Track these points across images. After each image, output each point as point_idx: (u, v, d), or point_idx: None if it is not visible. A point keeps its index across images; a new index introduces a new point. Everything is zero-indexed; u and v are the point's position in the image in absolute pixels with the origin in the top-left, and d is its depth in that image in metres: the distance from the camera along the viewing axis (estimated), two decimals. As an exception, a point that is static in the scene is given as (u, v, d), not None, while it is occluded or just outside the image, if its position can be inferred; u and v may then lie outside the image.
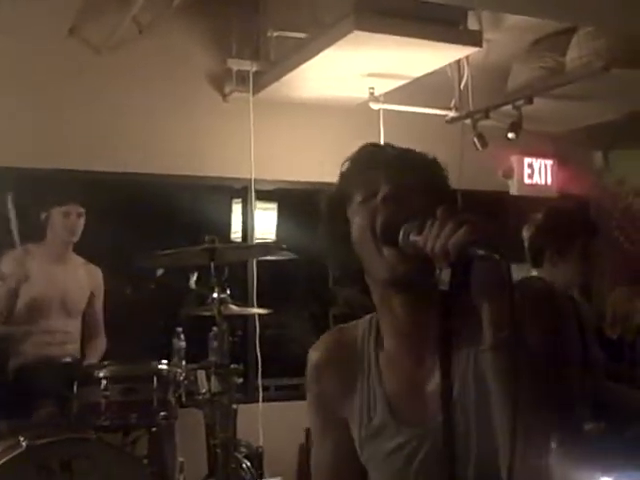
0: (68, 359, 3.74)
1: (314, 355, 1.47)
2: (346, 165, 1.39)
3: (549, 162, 5.53)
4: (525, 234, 3.11)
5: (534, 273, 3.11)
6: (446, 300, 1.12)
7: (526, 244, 3.09)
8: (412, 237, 1.19)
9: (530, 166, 5.48)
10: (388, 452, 1.34)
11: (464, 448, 1.22)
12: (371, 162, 1.35)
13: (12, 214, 3.67)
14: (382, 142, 1.47)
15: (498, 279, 1.10)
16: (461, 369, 1.27)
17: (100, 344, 4.10)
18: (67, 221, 3.93)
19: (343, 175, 1.39)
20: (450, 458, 1.11)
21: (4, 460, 2.86)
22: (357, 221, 1.32)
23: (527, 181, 5.48)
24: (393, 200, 1.26)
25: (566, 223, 3.09)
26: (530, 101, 4.46)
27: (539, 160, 5.50)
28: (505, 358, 1.12)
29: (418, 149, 1.40)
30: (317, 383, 1.45)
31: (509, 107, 4.60)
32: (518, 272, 3.15)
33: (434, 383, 1.29)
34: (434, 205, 1.19)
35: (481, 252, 1.09)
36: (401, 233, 1.22)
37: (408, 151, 1.38)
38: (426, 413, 1.30)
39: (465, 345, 1.25)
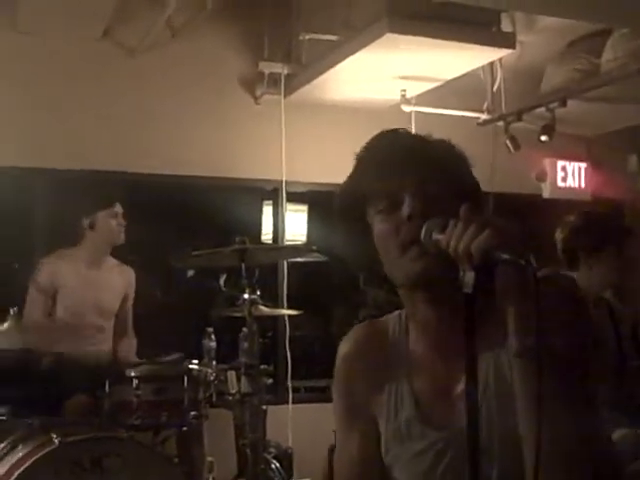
0: (101, 358, 3.78)
1: (344, 347, 1.45)
2: (363, 161, 1.36)
3: (583, 165, 5.48)
4: (558, 236, 3.09)
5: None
6: (470, 303, 1.10)
7: (559, 246, 3.07)
8: (435, 235, 1.18)
9: (563, 169, 5.43)
10: (415, 454, 1.32)
11: (487, 452, 1.21)
12: (392, 164, 1.30)
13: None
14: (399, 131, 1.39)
15: (523, 285, 1.08)
16: (483, 372, 1.26)
17: (129, 344, 4.13)
18: (115, 222, 3.95)
19: (360, 172, 1.35)
20: (473, 462, 1.10)
21: (37, 457, 2.89)
22: (379, 231, 1.31)
23: (560, 184, 5.43)
24: (418, 216, 1.23)
25: (600, 225, 3.07)
26: (564, 103, 4.42)
27: (572, 163, 5.45)
28: (531, 365, 1.11)
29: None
30: (346, 375, 1.44)
31: (542, 109, 4.56)
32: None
33: (460, 385, 1.28)
34: (458, 200, 1.17)
35: (505, 256, 1.08)
36: (423, 230, 1.21)
37: (429, 146, 1.34)
38: (452, 415, 1.28)
39: (487, 348, 1.24)
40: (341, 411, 1.45)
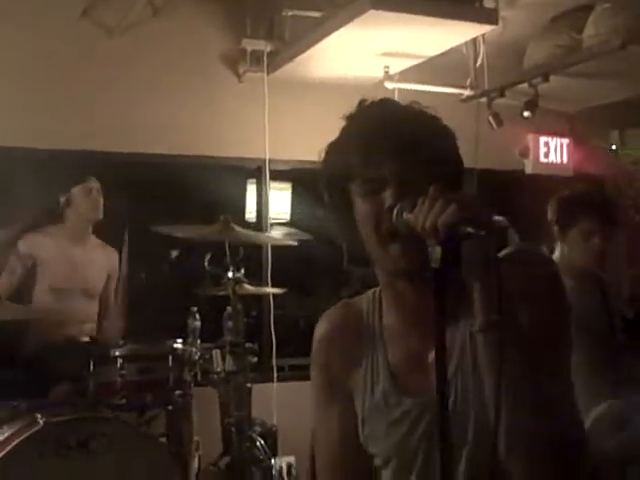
0: (85, 338, 3.78)
1: (320, 328, 1.48)
2: (349, 133, 1.35)
3: (565, 141, 5.49)
4: (550, 208, 3.11)
5: (556, 252, 3.12)
6: (438, 278, 1.13)
7: (550, 217, 3.10)
8: (405, 215, 1.21)
9: (546, 145, 5.44)
10: (391, 422, 1.35)
11: (463, 420, 1.25)
12: (378, 145, 1.29)
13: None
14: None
15: (486, 258, 1.12)
16: (459, 343, 1.29)
17: (113, 324, 4.13)
18: (89, 198, 3.95)
19: (345, 146, 1.34)
20: (444, 425, 1.12)
21: (22, 437, 2.90)
22: (361, 212, 1.32)
23: (543, 160, 5.44)
24: (400, 203, 1.24)
25: (589, 198, 3.10)
26: (546, 79, 4.42)
27: (555, 139, 5.46)
28: (494, 340, 1.14)
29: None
30: (323, 355, 1.46)
31: (525, 85, 4.56)
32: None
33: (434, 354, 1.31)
34: (439, 183, 1.19)
35: (469, 229, 1.11)
36: (395, 211, 1.23)
37: (417, 125, 1.32)
38: (427, 383, 1.30)
39: (463, 321, 1.27)
40: (319, 391, 1.47)
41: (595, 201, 3.06)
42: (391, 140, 1.29)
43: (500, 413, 1.11)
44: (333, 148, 1.37)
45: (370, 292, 1.46)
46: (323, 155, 1.38)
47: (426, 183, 1.20)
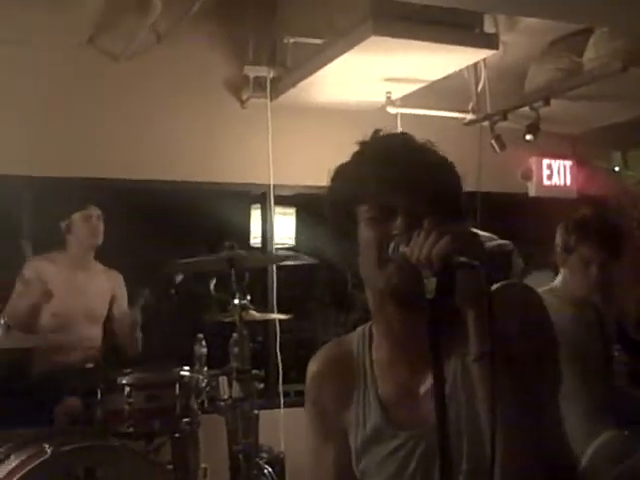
0: (91, 365, 3.77)
1: (312, 368, 1.51)
2: (360, 162, 1.38)
3: (568, 163, 5.51)
4: (559, 234, 3.09)
5: (559, 277, 3.11)
6: (433, 308, 1.16)
7: (559, 243, 3.08)
8: (401, 248, 1.24)
9: (549, 167, 5.46)
10: (385, 456, 1.37)
11: (457, 448, 1.25)
12: (389, 174, 1.32)
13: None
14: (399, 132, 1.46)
15: (478, 287, 1.15)
16: (451, 373, 1.31)
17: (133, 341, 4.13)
18: (88, 224, 3.97)
19: (355, 172, 1.37)
20: (444, 458, 1.14)
21: (30, 467, 2.89)
22: (365, 236, 1.34)
23: (546, 182, 5.46)
24: (405, 232, 1.27)
25: (589, 227, 3.08)
26: (547, 102, 4.46)
27: (558, 161, 5.48)
28: (488, 369, 1.16)
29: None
30: (315, 393, 1.49)
31: (527, 109, 4.59)
32: (542, 278, 3.12)
33: (427, 386, 1.33)
34: (443, 215, 1.23)
35: (462, 259, 1.14)
36: (391, 246, 1.26)
37: (429, 164, 1.35)
38: (420, 416, 1.33)
39: (455, 350, 1.29)
40: (312, 427, 1.49)
41: (594, 227, 3.03)
42: (406, 172, 1.32)
43: (495, 441, 1.12)
44: (343, 171, 1.40)
45: (360, 328, 1.49)
46: (331, 177, 1.41)
47: (431, 215, 1.23)
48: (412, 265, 1.19)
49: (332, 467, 1.44)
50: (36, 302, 3.78)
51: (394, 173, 1.32)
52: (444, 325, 1.15)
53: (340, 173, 1.40)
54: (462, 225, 1.32)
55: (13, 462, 2.99)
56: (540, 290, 3.05)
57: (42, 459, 2.91)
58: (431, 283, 1.16)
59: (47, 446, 2.95)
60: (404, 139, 1.41)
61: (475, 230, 1.31)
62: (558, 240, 3.09)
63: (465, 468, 1.27)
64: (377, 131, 1.41)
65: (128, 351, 4.09)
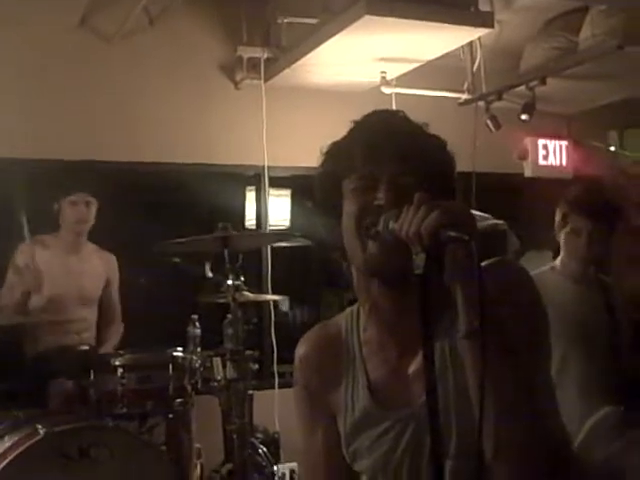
0: (85, 347, 3.77)
1: (300, 350, 1.49)
2: (348, 137, 1.37)
3: (564, 143, 5.49)
4: (559, 208, 3.07)
5: (560, 255, 3.09)
6: (422, 284, 1.13)
7: (559, 217, 3.06)
8: (391, 225, 1.20)
9: (545, 147, 5.44)
10: (375, 438, 1.35)
11: (446, 427, 1.24)
12: (376, 143, 1.31)
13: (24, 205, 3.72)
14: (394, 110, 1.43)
15: (469, 264, 1.11)
16: (440, 352, 1.28)
17: (116, 330, 4.13)
18: (75, 210, 3.96)
19: (345, 145, 1.36)
20: (434, 437, 1.12)
21: (23, 448, 2.89)
22: (347, 209, 1.32)
23: (542, 162, 5.44)
24: (389, 204, 1.25)
25: (600, 197, 3.07)
26: (543, 82, 4.42)
27: (553, 141, 5.46)
28: (478, 346, 1.13)
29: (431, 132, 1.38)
30: (304, 378, 1.48)
31: (522, 88, 4.56)
32: (539, 258, 3.11)
33: (415, 366, 1.32)
34: (432, 192, 1.19)
35: (452, 234, 1.11)
36: (381, 222, 1.23)
37: (417, 137, 1.34)
38: (408, 396, 1.32)
39: (444, 328, 1.27)
40: (302, 413, 1.49)
41: (584, 198, 3.02)
42: (390, 143, 1.30)
43: (484, 418, 1.10)
44: (332, 147, 1.39)
45: (349, 309, 1.47)
46: (322, 154, 1.40)
47: (417, 186, 1.21)
48: (401, 241, 1.17)
49: (321, 450, 1.44)
50: (27, 290, 3.83)
51: (377, 142, 1.31)
52: (434, 302, 1.13)
53: (329, 149, 1.40)
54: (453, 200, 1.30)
55: (7, 443, 2.99)
56: (542, 269, 3.06)
57: (35, 440, 2.92)
58: (420, 259, 1.13)
59: (40, 427, 2.95)
60: (393, 113, 1.40)
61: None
62: (556, 216, 3.07)
63: (454, 446, 1.26)
64: (374, 111, 1.40)
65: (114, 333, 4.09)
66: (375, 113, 1.39)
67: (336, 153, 1.37)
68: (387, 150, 1.30)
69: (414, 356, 1.32)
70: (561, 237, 3.06)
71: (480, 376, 1.11)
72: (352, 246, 1.32)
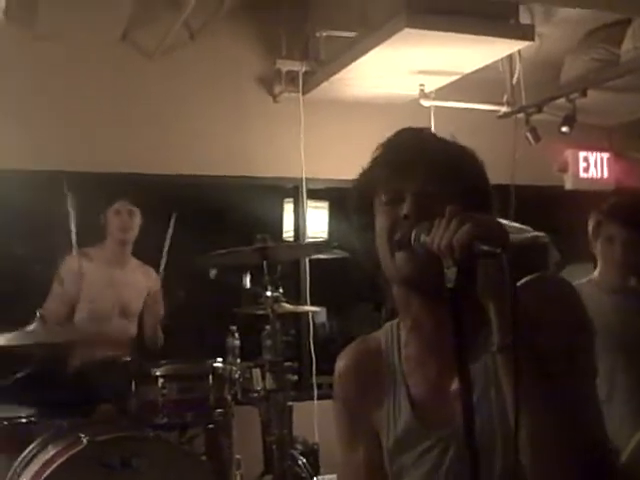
0: (127, 358, 3.81)
1: (339, 365, 1.48)
2: (379, 152, 1.38)
3: (605, 155, 5.44)
4: (592, 219, 3.04)
5: (597, 268, 3.06)
6: (453, 297, 1.12)
7: (592, 228, 3.03)
8: (423, 238, 1.20)
9: (585, 159, 5.40)
10: (417, 456, 1.33)
11: (490, 447, 1.22)
12: (403, 159, 1.32)
13: (72, 217, 3.76)
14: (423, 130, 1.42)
15: (501, 276, 1.09)
16: (482, 368, 1.26)
17: (157, 337, 4.16)
18: (119, 219, 4.00)
19: (373, 166, 1.38)
20: (473, 458, 1.10)
21: (66, 456, 2.91)
22: (379, 224, 1.33)
23: (583, 175, 5.39)
24: (415, 214, 1.25)
25: (611, 208, 3.03)
26: (584, 94, 4.39)
27: (594, 153, 5.41)
28: (508, 362, 1.12)
29: (469, 145, 1.37)
30: (343, 391, 1.46)
31: (563, 101, 4.54)
32: (580, 271, 3.07)
33: (457, 384, 1.27)
34: (463, 203, 1.19)
35: (484, 247, 1.10)
36: (413, 235, 1.23)
37: (444, 150, 1.34)
38: (451, 414, 1.29)
39: (483, 345, 1.24)
40: (342, 426, 1.47)
41: (617, 206, 2.98)
42: (416, 157, 1.31)
43: (518, 436, 1.08)
44: (362, 173, 1.40)
45: (389, 324, 1.46)
46: (353, 182, 1.41)
47: (446, 202, 1.20)
48: (432, 254, 1.16)
49: (363, 466, 1.41)
50: (71, 302, 3.87)
51: (404, 157, 1.32)
52: (469, 317, 1.12)
53: (365, 168, 1.40)
54: (485, 214, 1.27)
55: (50, 452, 3.02)
56: (579, 282, 3.02)
57: (78, 449, 2.94)
58: (452, 272, 1.12)
59: (83, 436, 2.98)
60: (419, 129, 1.41)
61: (500, 219, 1.27)
62: (590, 225, 3.04)
63: (499, 466, 1.23)
64: (401, 129, 1.40)
65: (152, 345, 4.13)
66: (402, 130, 1.40)
67: (367, 170, 1.39)
68: (413, 164, 1.30)
69: (454, 374, 1.27)
70: (597, 247, 3.02)
71: (513, 393, 1.10)
72: (385, 259, 1.32)
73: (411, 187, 1.28)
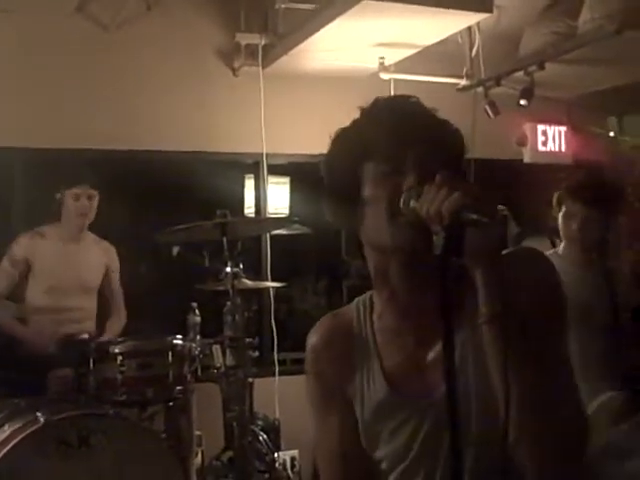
0: (84, 336, 3.77)
1: (311, 340, 1.47)
2: (367, 119, 1.35)
3: (563, 128, 5.48)
4: (557, 195, 3.09)
5: (561, 245, 3.10)
6: (441, 265, 1.12)
7: (556, 202, 3.08)
8: (412, 204, 1.20)
9: (544, 133, 5.42)
10: (394, 427, 1.34)
11: (466, 415, 1.23)
12: (396, 128, 1.30)
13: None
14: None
15: (490, 247, 1.11)
16: (461, 337, 1.27)
17: (118, 319, 4.12)
18: (77, 204, 3.93)
19: (363, 129, 1.35)
20: (454, 426, 1.11)
21: (23, 435, 2.89)
22: (373, 193, 1.30)
23: (541, 148, 5.43)
24: (419, 185, 1.24)
25: (598, 182, 3.09)
26: (542, 67, 4.40)
27: (553, 127, 5.44)
28: (499, 331, 1.14)
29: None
30: (315, 364, 1.46)
31: (521, 74, 4.54)
32: (537, 244, 3.12)
33: (434, 355, 1.31)
34: (449, 170, 1.19)
35: (473, 216, 1.10)
36: (402, 199, 1.22)
37: (436, 121, 1.34)
38: (426, 385, 1.30)
39: (465, 313, 1.24)
40: (316, 400, 1.46)
41: (578, 183, 3.04)
42: (414, 126, 1.30)
43: (509, 404, 1.10)
44: (346, 133, 1.37)
45: (359, 299, 1.46)
46: (332, 140, 1.38)
47: (441, 169, 1.20)
48: (422, 221, 1.16)
49: (338, 438, 1.41)
50: (22, 281, 3.84)
51: (404, 126, 1.30)
52: (455, 287, 1.13)
53: (342, 135, 1.37)
54: (474, 183, 1.30)
55: (7, 431, 2.99)
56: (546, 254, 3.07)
57: (35, 427, 2.91)
58: (439, 239, 1.13)
59: (40, 414, 2.95)
60: (409, 98, 1.39)
61: None
62: (553, 201, 3.10)
63: (476, 433, 1.24)
64: (378, 97, 1.39)
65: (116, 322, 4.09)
66: (387, 99, 1.39)
67: (351, 139, 1.35)
68: (411, 133, 1.29)
69: (432, 344, 1.30)
70: (559, 223, 3.07)
71: (503, 361, 1.11)
72: (379, 229, 1.29)
73: (411, 157, 1.27)
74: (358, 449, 1.39)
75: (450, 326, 1.13)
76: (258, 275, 4.60)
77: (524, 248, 1.37)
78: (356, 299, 1.47)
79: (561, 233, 3.08)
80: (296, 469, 4.31)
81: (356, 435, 1.39)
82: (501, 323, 1.13)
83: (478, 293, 1.17)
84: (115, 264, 4.19)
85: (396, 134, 1.29)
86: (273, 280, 4.59)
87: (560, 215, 3.05)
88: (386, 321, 1.39)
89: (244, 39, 4.71)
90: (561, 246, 3.13)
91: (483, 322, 1.17)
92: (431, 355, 1.32)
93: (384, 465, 1.38)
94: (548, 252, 3.11)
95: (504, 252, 1.26)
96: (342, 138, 1.37)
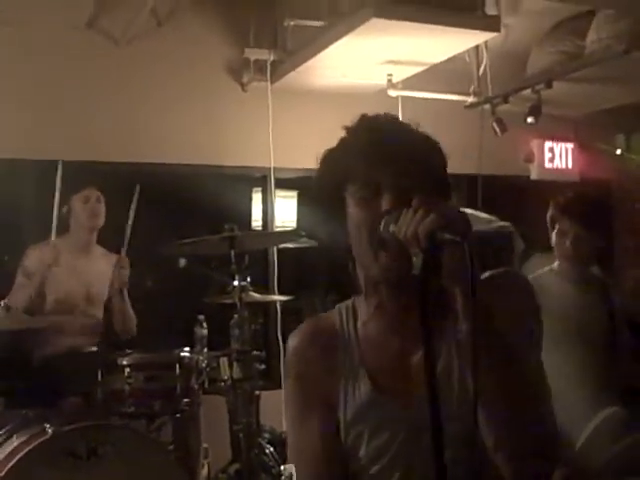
0: (92, 348, 3.79)
1: (292, 342, 1.49)
2: (346, 143, 1.39)
3: (570, 146, 5.50)
4: (551, 211, 3.12)
5: (556, 262, 3.12)
6: (420, 285, 1.16)
7: (550, 219, 3.11)
8: (391, 227, 1.25)
9: (551, 150, 5.46)
10: (375, 428, 1.37)
11: (447, 416, 1.25)
12: (375, 151, 1.34)
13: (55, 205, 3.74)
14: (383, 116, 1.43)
15: (463, 263, 1.15)
16: (444, 350, 1.34)
17: (127, 331, 4.12)
18: (87, 206, 3.95)
19: (345, 152, 1.39)
20: (435, 425, 1.14)
21: (31, 446, 2.90)
22: (354, 218, 1.35)
23: (548, 165, 5.46)
24: (396, 209, 1.28)
25: (591, 199, 3.12)
26: (549, 85, 4.44)
27: (560, 144, 5.47)
28: (473, 343, 1.17)
29: (436, 135, 1.41)
30: (298, 365, 1.47)
31: (528, 91, 4.58)
32: (544, 260, 3.14)
33: (417, 359, 1.35)
34: (429, 192, 1.25)
35: (447, 236, 1.16)
36: (382, 225, 1.27)
37: (413, 140, 1.37)
38: (409, 388, 1.35)
39: (450, 327, 1.29)
40: (296, 404, 1.46)
41: (570, 200, 3.08)
42: (390, 149, 1.34)
43: (478, 408, 1.15)
44: (330, 154, 1.41)
45: (343, 304, 1.50)
46: (319, 161, 1.42)
47: (419, 188, 1.26)
48: (401, 244, 1.21)
49: (318, 440, 1.41)
50: (37, 292, 3.82)
51: (380, 150, 1.34)
52: (437, 302, 1.17)
53: (327, 156, 1.42)
54: (448, 203, 1.35)
55: (15, 442, 3.01)
56: (541, 271, 3.09)
57: (43, 439, 2.93)
58: (418, 260, 1.18)
59: (48, 426, 2.97)
60: (388, 118, 1.42)
61: (464, 209, 1.35)
62: (547, 218, 3.13)
63: (454, 436, 1.25)
64: (363, 115, 1.42)
65: (122, 334, 4.10)
66: (367, 119, 1.41)
67: (334, 161, 1.40)
68: (389, 156, 1.33)
69: (416, 350, 1.34)
70: (552, 238, 3.11)
71: (475, 370, 1.15)
72: (364, 254, 1.35)
73: (389, 181, 1.31)
74: (341, 452, 1.40)
75: (430, 339, 1.17)
76: (266, 288, 4.62)
77: (510, 273, 1.44)
78: (337, 305, 1.50)
79: (555, 250, 3.11)
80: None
81: (338, 438, 1.41)
82: (472, 337, 1.17)
83: (456, 308, 1.22)
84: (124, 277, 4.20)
85: (374, 158, 1.33)
86: (281, 293, 4.61)
87: (554, 233, 3.08)
88: (372, 328, 1.43)
89: (253, 55, 4.75)
90: (556, 263, 3.16)
91: (460, 336, 1.23)
92: (415, 359, 1.37)
93: (363, 462, 1.39)
94: (544, 269, 3.13)
95: (490, 274, 1.32)
96: (328, 159, 1.42)
